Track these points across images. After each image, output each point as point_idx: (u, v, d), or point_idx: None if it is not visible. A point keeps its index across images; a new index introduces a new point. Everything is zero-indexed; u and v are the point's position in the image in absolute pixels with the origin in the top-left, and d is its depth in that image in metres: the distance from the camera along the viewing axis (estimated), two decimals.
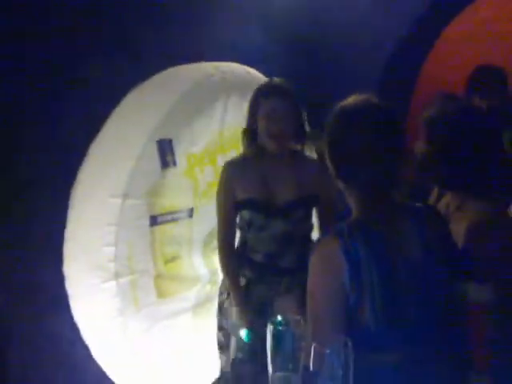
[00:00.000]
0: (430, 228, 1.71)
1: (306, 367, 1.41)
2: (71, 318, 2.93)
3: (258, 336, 2.51)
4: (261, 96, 2.61)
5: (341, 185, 1.72)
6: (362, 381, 1.36)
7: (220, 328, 2.74)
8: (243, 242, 2.72)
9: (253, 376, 2.62)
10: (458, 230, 1.84)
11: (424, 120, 2.00)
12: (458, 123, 1.94)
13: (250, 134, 2.64)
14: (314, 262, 1.66)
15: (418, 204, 1.85)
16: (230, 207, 2.66)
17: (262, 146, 2.61)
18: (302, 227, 2.67)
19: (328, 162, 1.73)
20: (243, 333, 2.57)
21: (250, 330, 2.56)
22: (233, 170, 2.68)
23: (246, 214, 2.65)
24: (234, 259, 2.69)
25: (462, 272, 1.74)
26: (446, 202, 2.05)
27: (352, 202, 1.71)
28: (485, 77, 3.67)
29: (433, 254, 1.67)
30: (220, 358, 2.75)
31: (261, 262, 2.67)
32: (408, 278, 1.61)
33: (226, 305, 2.71)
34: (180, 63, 3.23)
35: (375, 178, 1.67)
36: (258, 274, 2.67)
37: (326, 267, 1.63)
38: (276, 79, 2.72)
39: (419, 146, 2.00)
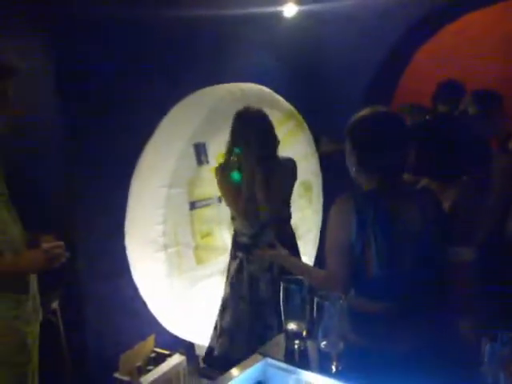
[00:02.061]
0: (427, 204, 1.73)
1: (311, 315, 1.45)
2: (131, 279, 2.98)
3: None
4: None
5: (355, 168, 1.72)
6: (360, 323, 1.45)
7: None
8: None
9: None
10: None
11: None
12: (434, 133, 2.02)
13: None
14: (331, 213, 1.69)
15: (420, 188, 1.91)
16: None
17: None
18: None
19: (350, 157, 1.73)
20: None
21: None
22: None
23: None
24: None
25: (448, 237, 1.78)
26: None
27: (363, 179, 1.72)
28: (448, 90, 3.67)
29: (428, 223, 1.68)
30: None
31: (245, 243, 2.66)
32: (406, 238, 1.62)
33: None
34: (209, 85, 3.25)
35: (390, 167, 1.69)
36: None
37: (339, 219, 1.66)
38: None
39: None
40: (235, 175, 2.62)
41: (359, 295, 1.57)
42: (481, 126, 2.76)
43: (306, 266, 2.04)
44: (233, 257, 2.76)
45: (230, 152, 2.64)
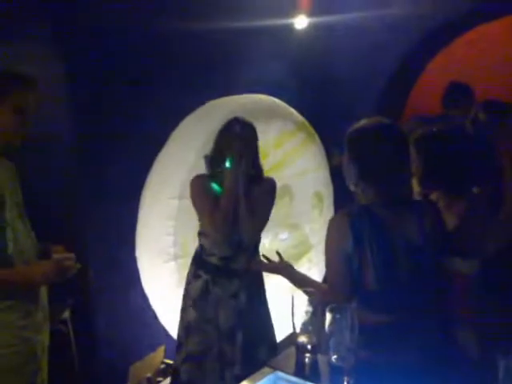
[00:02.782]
0: (427, 216, 1.72)
1: (322, 328, 1.44)
2: (142, 289, 2.98)
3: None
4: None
5: (355, 181, 1.69)
6: (364, 336, 1.44)
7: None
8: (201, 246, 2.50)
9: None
10: (449, 221, 1.86)
11: (413, 140, 1.97)
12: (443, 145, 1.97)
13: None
14: (328, 230, 1.69)
15: (419, 199, 1.89)
16: None
17: None
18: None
19: (349, 168, 1.70)
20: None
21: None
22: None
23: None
24: None
25: (452, 250, 1.77)
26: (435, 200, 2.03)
27: (363, 192, 1.69)
28: (455, 91, 3.71)
29: (427, 235, 1.67)
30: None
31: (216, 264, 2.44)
32: (403, 251, 1.61)
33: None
34: (220, 96, 3.26)
35: (392, 179, 1.67)
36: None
37: (335, 236, 1.66)
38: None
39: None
40: (216, 187, 2.41)
41: (361, 308, 1.55)
42: (489, 137, 2.75)
43: (310, 279, 1.98)
44: (194, 275, 2.49)
45: (216, 162, 2.43)
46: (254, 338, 2.44)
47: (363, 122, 1.72)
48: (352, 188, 1.73)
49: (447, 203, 1.96)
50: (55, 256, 1.92)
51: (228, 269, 2.42)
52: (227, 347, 2.41)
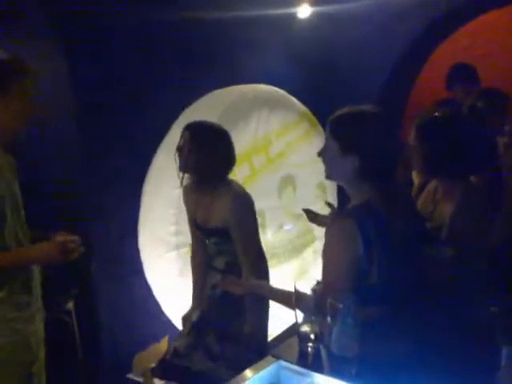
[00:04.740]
0: (413, 204, 1.73)
1: (325, 317, 1.42)
2: (145, 279, 2.99)
3: None
4: None
5: (351, 177, 1.58)
6: (366, 326, 1.41)
7: None
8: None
9: None
10: (446, 209, 1.89)
11: (415, 125, 1.98)
12: (444, 130, 1.95)
13: None
14: (334, 234, 1.56)
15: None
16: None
17: None
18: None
19: (341, 164, 1.57)
20: None
21: None
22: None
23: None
24: None
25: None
26: (432, 189, 2.05)
27: (359, 189, 1.59)
28: (459, 72, 3.71)
29: (417, 228, 1.67)
30: None
31: None
32: (402, 248, 1.56)
33: None
34: (222, 86, 3.24)
35: (389, 171, 1.59)
36: None
37: (343, 239, 1.52)
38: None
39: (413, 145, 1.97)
40: None
41: (360, 302, 1.52)
42: (487, 124, 2.75)
43: (288, 292, 1.71)
44: None
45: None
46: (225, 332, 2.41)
47: (350, 109, 1.59)
48: (346, 185, 1.62)
49: (444, 191, 1.97)
50: (58, 238, 1.92)
51: (211, 264, 2.45)
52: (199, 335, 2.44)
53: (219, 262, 2.41)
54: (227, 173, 2.37)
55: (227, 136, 2.39)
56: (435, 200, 2.00)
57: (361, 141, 1.55)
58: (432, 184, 2.07)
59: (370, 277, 1.52)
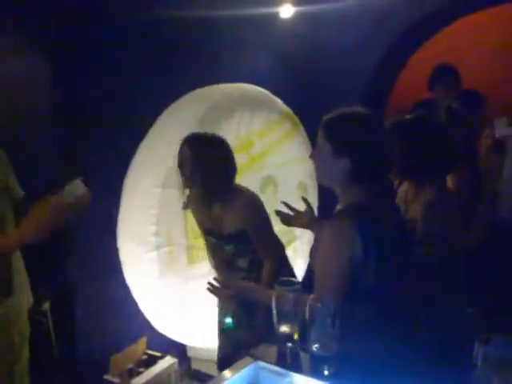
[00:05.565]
0: (397, 211, 1.72)
1: (303, 317, 1.44)
2: (123, 279, 2.95)
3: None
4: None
5: (343, 180, 1.57)
6: (350, 325, 1.41)
7: None
8: None
9: None
10: (417, 209, 1.91)
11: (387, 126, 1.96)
12: (412, 131, 1.98)
13: None
14: (330, 235, 1.55)
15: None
16: None
17: None
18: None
19: (332, 166, 1.57)
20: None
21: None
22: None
23: None
24: None
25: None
26: (405, 190, 2.08)
27: (350, 191, 1.58)
28: (441, 73, 3.75)
29: (402, 227, 1.68)
30: None
31: None
32: (392, 246, 1.57)
33: None
34: (205, 85, 3.22)
35: (380, 172, 1.60)
36: None
37: (340, 241, 1.51)
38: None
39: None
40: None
41: (349, 302, 1.53)
42: (465, 125, 2.78)
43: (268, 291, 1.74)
44: None
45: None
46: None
47: (342, 112, 1.58)
48: (337, 188, 1.61)
49: (415, 192, 1.99)
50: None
51: (233, 266, 2.50)
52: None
53: (242, 262, 2.47)
54: (233, 179, 2.42)
55: (226, 143, 2.42)
56: (407, 201, 2.02)
57: (354, 143, 1.54)
58: (405, 185, 2.09)
59: (362, 277, 1.52)
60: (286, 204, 2.21)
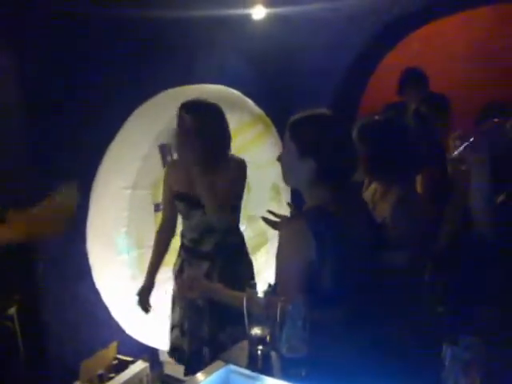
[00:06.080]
0: (366, 209, 1.73)
1: (275, 320, 1.43)
2: (93, 284, 2.91)
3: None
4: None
5: (309, 180, 1.57)
6: (320, 328, 1.41)
7: None
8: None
9: None
10: (385, 208, 1.92)
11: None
12: (377, 133, 2.00)
13: None
14: (285, 236, 1.57)
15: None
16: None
17: None
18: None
19: (297, 166, 1.56)
20: None
21: None
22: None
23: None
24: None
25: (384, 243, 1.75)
26: (373, 189, 2.10)
27: (314, 192, 1.59)
28: (409, 76, 3.81)
29: (369, 228, 1.67)
30: None
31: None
32: (354, 249, 1.56)
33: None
34: (176, 86, 3.21)
35: (346, 174, 1.59)
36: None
37: (295, 242, 1.52)
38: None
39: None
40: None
41: (313, 304, 1.52)
42: (428, 128, 2.83)
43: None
44: (178, 254, 2.64)
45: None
46: (222, 319, 2.40)
47: (308, 113, 1.59)
48: (302, 188, 1.61)
49: (382, 192, 2.01)
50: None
51: (197, 250, 2.48)
52: (196, 325, 2.46)
53: (207, 245, 2.45)
54: (229, 149, 2.44)
55: (223, 112, 2.43)
56: (374, 200, 2.04)
57: (318, 144, 1.54)
58: (373, 185, 2.12)
59: (322, 279, 1.51)
60: (271, 212, 2.21)
